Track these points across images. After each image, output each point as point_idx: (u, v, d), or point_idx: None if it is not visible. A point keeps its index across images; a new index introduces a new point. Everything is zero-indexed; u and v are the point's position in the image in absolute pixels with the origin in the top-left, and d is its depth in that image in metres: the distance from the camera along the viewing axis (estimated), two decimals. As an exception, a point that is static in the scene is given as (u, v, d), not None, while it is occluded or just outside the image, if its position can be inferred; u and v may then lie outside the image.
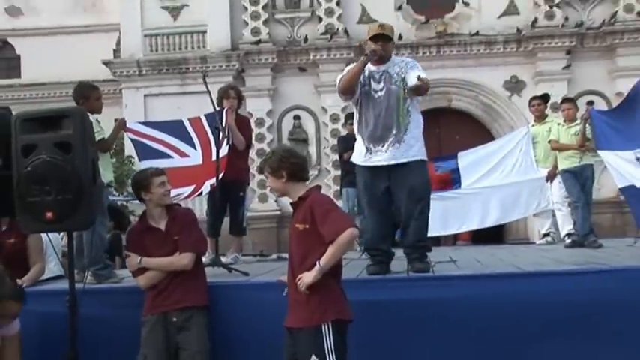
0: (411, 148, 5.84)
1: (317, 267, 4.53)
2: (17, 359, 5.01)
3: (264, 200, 20.10)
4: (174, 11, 21.06)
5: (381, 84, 5.85)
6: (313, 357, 4.49)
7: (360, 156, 5.99)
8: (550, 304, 5.19)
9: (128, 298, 5.53)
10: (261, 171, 5.06)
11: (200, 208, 7.88)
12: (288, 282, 4.80)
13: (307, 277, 4.54)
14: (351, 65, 6.07)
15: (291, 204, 4.84)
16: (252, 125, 13.81)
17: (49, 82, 23.31)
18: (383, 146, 5.81)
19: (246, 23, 20.94)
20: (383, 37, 5.86)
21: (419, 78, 5.71)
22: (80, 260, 5.82)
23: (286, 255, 8.45)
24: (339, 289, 4.72)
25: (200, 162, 7.21)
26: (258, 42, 20.73)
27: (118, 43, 21.80)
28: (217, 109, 7.48)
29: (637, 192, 6.98)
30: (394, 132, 5.79)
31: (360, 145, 5.99)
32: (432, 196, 6.13)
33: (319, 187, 5.10)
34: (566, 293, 5.24)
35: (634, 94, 6.66)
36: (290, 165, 4.80)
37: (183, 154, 7.23)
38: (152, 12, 20.96)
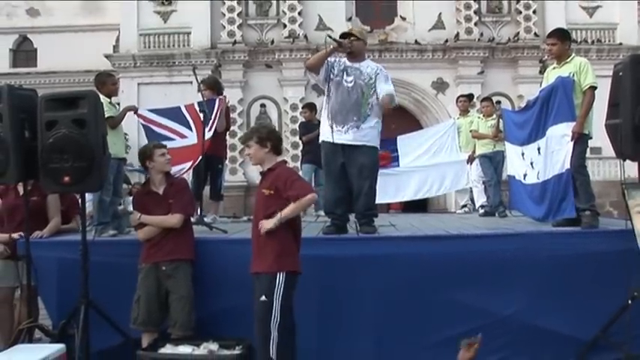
0: (366, 135, 5.74)
1: (278, 216, 4.53)
2: None
3: (234, 173, 19.96)
4: (165, 15, 20.77)
5: (352, 77, 5.75)
6: (263, 297, 4.49)
7: (324, 133, 5.89)
8: (471, 260, 5.28)
9: (129, 249, 5.49)
10: (245, 140, 4.87)
11: (187, 177, 7.75)
12: (252, 235, 4.75)
13: (268, 223, 4.55)
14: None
15: (260, 172, 4.80)
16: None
17: (60, 71, 23.03)
18: (343, 127, 5.72)
19: (224, 27, 20.70)
20: (350, 35, 5.85)
21: (385, 95, 5.72)
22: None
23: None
24: (295, 245, 4.71)
25: (196, 141, 7.09)
26: (234, 43, 20.55)
27: (117, 40, 21.58)
28: (212, 98, 7.40)
29: (515, 181, 7.09)
30: (354, 119, 5.71)
31: (325, 124, 5.88)
32: None
33: (285, 162, 5.07)
34: (484, 251, 5.36)
35: (532, 102, 6.70)
36: (275, 139, 4.81)
37: (182, 136, 7.09)
38: (146, 15, 20.65)
